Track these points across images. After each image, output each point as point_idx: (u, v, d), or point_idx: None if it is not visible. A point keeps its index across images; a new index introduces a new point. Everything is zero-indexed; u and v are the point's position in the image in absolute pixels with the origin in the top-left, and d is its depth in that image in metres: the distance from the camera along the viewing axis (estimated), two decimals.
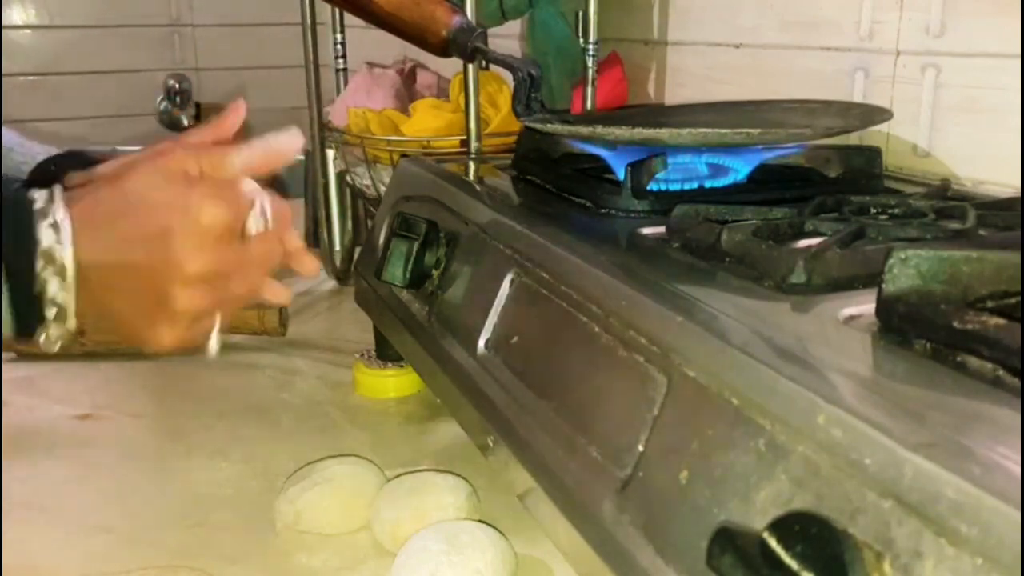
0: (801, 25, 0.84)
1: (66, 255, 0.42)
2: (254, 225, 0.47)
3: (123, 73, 1.74)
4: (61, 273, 0.42)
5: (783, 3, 0.85)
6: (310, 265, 0.52)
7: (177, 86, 1.75)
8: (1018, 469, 0.25)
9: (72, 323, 0.44)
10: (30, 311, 0.43)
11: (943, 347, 0.34)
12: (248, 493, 0.63)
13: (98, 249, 0.43)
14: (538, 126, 0.68)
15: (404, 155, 0.84)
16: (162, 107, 1.75)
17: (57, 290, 0.43)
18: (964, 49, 0.69)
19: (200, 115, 1.77)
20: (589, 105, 0.97)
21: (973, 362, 0.33)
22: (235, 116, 0.51)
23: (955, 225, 0.50)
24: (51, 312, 0.43)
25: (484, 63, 0.85)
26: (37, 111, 1.65)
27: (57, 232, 0.42)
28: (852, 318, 0.39)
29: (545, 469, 0.46)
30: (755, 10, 0.88)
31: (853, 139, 0.75)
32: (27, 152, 0.65)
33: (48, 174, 0.62)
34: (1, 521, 0.53)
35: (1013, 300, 0.37)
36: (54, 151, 0.68)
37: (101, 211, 0.44)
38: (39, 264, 0.42)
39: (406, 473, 0.62)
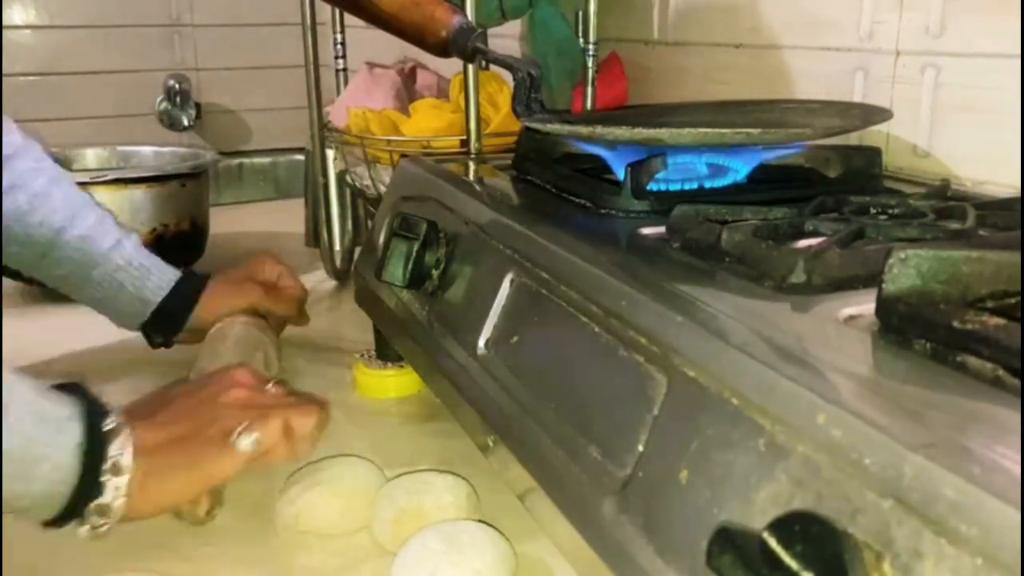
0: (801, 25, 0.84)
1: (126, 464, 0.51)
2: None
3: (123, 73, 1.73)
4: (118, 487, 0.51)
5: (783, 3, 0.85)
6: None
7: (177, 86, 1.75)
8: (1018, 469, 0.25)
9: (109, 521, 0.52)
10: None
11: (943, 347, 0.34)
12: (248, 493, 0.63)
13: (154, 430, 0.54)
14: (538, 126, 0.68)
15: (404, 155, 0.84)
16: (162, 107, 1.76)
17: (112, 496, 0.51)
18: (964, 49, 0.69)
19: (200, 115, 1.77)
20: (589, 105, 0.97)
21: (973, 362, 0.33)
22: None
23: (955, 225, 0.50)
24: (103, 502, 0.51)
25: (484, 63, 0.85)
26: (37, 111, 1.65)
27: (122, 450, 0.51)
28: (852, 318, 0.39)
29: (545, 469, 0.46)
30: (755, 10, 0.88)
31: (853, 139, 0.75)
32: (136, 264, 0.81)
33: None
34: (1, 521, 0.53)
35: (1013, 300, 0.37)
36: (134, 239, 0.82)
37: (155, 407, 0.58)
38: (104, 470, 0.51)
39: (406, 473, 0.62)
